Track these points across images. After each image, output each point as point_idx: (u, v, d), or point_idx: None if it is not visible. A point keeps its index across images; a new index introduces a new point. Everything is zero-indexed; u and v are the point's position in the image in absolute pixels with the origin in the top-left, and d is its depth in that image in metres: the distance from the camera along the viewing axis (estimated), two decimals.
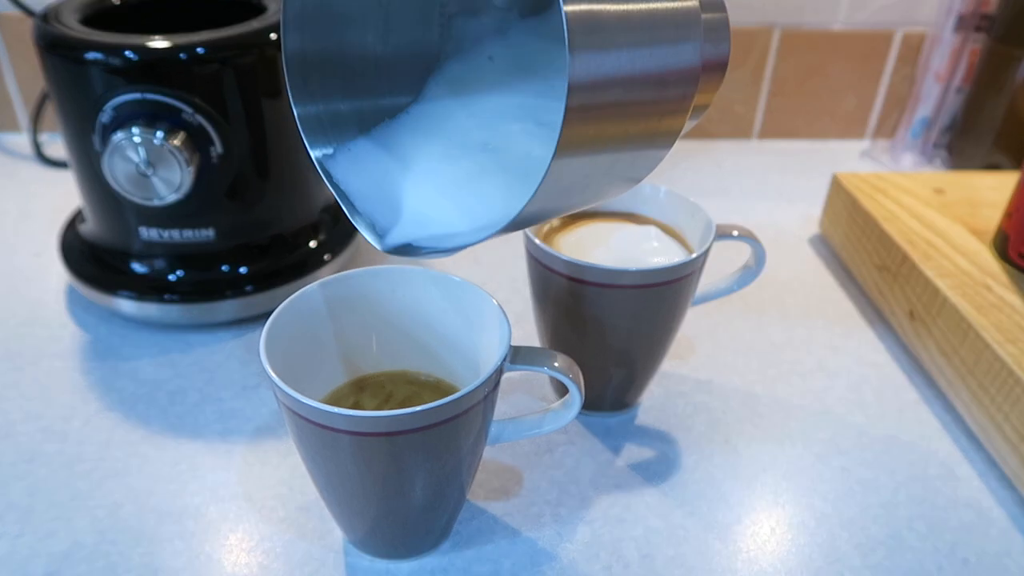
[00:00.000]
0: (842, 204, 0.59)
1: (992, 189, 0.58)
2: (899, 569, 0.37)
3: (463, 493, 0.36)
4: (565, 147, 0.24)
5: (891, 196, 0.57)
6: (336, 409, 0.29)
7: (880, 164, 0.75)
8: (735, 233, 0.43)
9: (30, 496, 0.39)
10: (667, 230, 0.44)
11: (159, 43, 0.43)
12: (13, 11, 0.64)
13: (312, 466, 0.33)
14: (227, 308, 0.49)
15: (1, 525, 0.37)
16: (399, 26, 0.33)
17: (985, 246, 0.51)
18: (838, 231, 0.60)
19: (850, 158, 0.77)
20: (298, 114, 0.32)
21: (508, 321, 0.34)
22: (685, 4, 0.26)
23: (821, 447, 0.44)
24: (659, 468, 0.42)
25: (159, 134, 0.43)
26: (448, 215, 0.30)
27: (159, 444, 0.42)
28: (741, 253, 0.48)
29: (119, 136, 0.43)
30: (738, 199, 0.69)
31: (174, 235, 0.48)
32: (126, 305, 0.49)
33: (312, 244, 0.52)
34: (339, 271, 0.40)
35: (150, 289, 0.48)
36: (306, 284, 0.36)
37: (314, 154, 0.32)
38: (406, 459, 0.31)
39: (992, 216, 0.54)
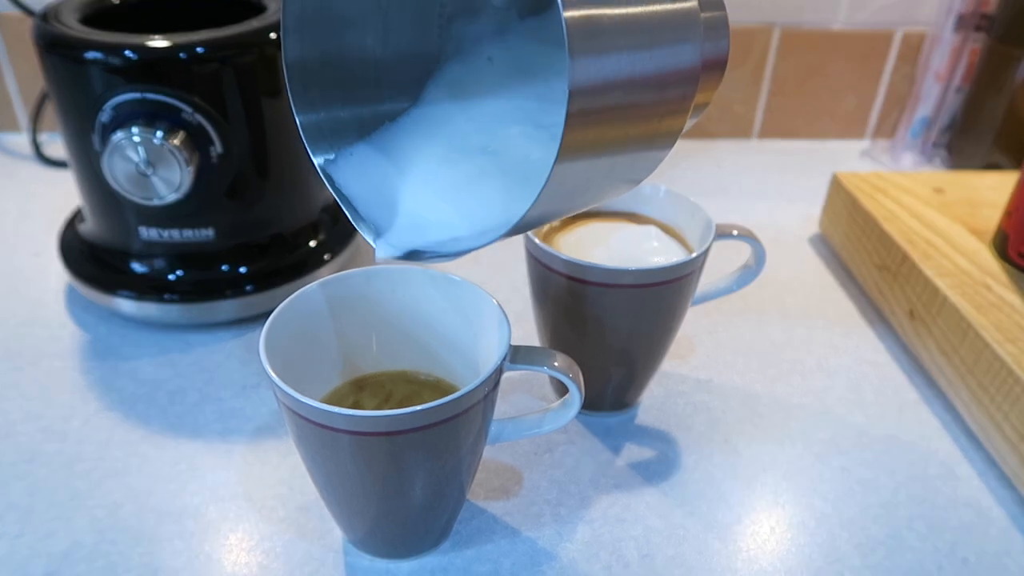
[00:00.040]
0: (842, 204, 0.59)
1: (992, 189, 0.58)
2: (899, 569, 0.37)
3: (463, 493, 0.36)
4: (566, 152, 0.24)
5: (891, 196, 0.57)
6: (336, 409, 0.29)
7: (880, 164, 0.75)
8: (735, 233, 0.43)
9: (30, 496, 0.39)
10: (667, 230, 0.44)
11: (159, 42, 0.43)
12: (13, 11, 0.64)
13: (312, 466, 0.33)
14: (227, 308, 0.49)
15: (1, 525, 0.37)
16: (398, 28, 0.33)
17: (985, 246, 0.51)
18: (838, 231, 0.60)
19: (850, 158, 0.77)
20: (300, 122, 0.32)
21: (508, 321, 0.34)
22: (685, 5, 0.26)
23: (821, 447, 0.44)
24: (659, 468, 0.42)
25: (159, 134, 0.43)
26: (448, 218, 0.30)
27: (159, 444, 0.42)
28: (741, 253, 0.48)
29: (119, 136, 0.43)
30: (738, 199, 0.69)
31: (174, 235, 0.48)
32: (126, 305, 0.49)
33: (312, 244, 0.52)
34: (339, 271, 0.40)
35: (150, 289, 0.48)
36: (306, 284, 0.36)
37: (316, 160, 0.32)
38: (406, 459, 0.31)
39: (992, 216, 0.54)
